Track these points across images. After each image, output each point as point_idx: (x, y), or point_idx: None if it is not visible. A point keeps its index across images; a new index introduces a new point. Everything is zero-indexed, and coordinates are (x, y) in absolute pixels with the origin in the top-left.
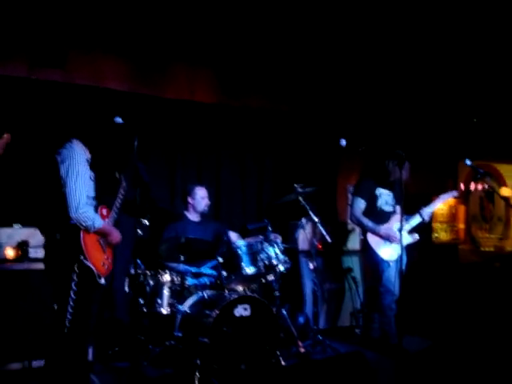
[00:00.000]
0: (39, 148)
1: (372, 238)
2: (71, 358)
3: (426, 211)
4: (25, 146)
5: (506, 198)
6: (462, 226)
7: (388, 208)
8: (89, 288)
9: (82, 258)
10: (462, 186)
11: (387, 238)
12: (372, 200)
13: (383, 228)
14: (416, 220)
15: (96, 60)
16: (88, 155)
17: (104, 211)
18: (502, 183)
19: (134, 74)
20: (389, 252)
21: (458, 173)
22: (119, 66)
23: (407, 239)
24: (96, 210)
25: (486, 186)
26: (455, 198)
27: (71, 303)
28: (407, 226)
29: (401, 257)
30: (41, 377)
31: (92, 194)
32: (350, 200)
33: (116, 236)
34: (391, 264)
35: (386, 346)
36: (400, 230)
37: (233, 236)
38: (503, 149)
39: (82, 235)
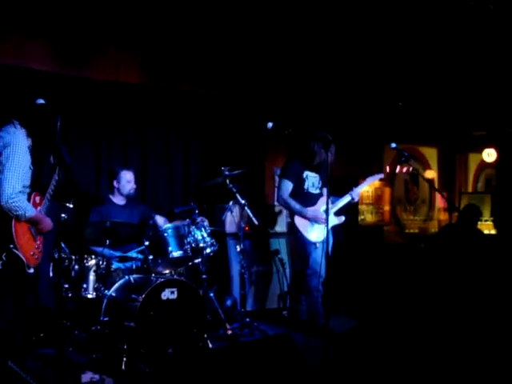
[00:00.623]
0: None
1: (299, 221)
2: None
3: (356, 191)
4: None
5: (429, 181)
6: (387, 208)
7: (315, 190)
8: (14, 277)
9: (11, 246)
10: (388, 169)
11: (314, 220)
12: (299, 182)
13: (310, 210)
14: (343, 201)
15: (15, 39)
16: (29, 142)
17: (37, 199)
18: (427, 166)
19: (58, 55)
20: (316, 234)
21: (384, 156)
22: (41, 46)
23: (334, 221)
24: (29, 198)
25: (411, 169)
26: (381, 180)
27: None
28: (334, 208)
29: (327, 238)
30: None
31: (28, 182)
32: (277, 182)
33: (47, 224)
34: (318, 245)
35: (313, 327)
36: (326, 212)
37: (159, 220)
38: (428, 133)
39: (13, 223)
